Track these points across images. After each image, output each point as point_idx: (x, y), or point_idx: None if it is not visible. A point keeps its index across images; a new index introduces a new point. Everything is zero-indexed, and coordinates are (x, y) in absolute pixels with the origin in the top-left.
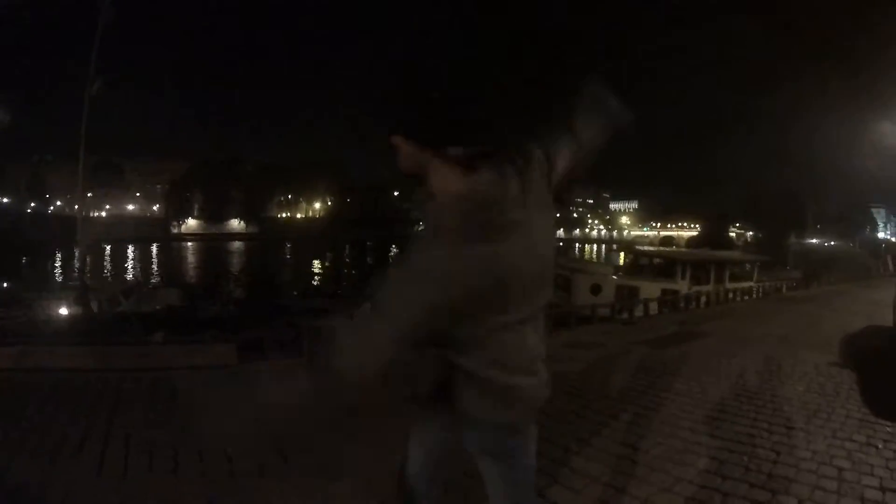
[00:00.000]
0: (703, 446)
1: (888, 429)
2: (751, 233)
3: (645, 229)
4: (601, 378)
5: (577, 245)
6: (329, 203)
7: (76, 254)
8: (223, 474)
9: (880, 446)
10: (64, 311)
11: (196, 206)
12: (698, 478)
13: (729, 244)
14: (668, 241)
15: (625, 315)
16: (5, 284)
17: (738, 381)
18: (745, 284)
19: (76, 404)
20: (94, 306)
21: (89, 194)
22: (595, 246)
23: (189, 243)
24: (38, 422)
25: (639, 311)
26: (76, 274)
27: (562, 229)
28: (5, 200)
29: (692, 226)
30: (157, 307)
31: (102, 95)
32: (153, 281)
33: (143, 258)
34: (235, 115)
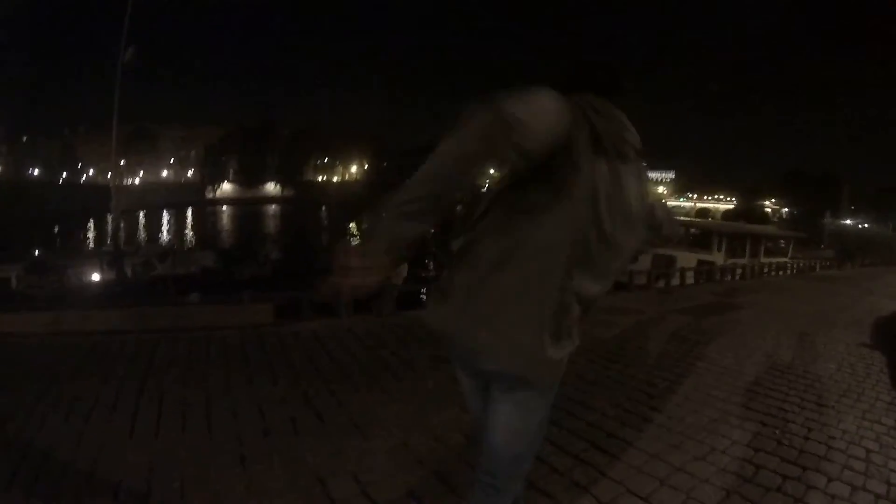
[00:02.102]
0: (736, 417)
1: None
2: (786, 209)
3: (681, 200)
4: (638, 344)
5: None
6: (365, 167)
7: (109, 221)
8: (257, 433)
9: None
10: (97, 276)
11: (231, 171)
12: (732, 449)
13: (764, 219)
14: (704, 212)
15: (661, 283)
16: (37, 252)
17: (772, 355)
18: (780, 260)
19: (111, 366)
20: (129, 271)
21: (122, 162)
22: None
23: (224, 207)
24: (72, 384)
25: (675, 281)
26: (109, 240)
27: None
28: (36, 172)
29: (728, 199)
30: (193, 269)
31: (134, 63)
32: (188, 244)
33: (178, 223)
34: (268, 81)
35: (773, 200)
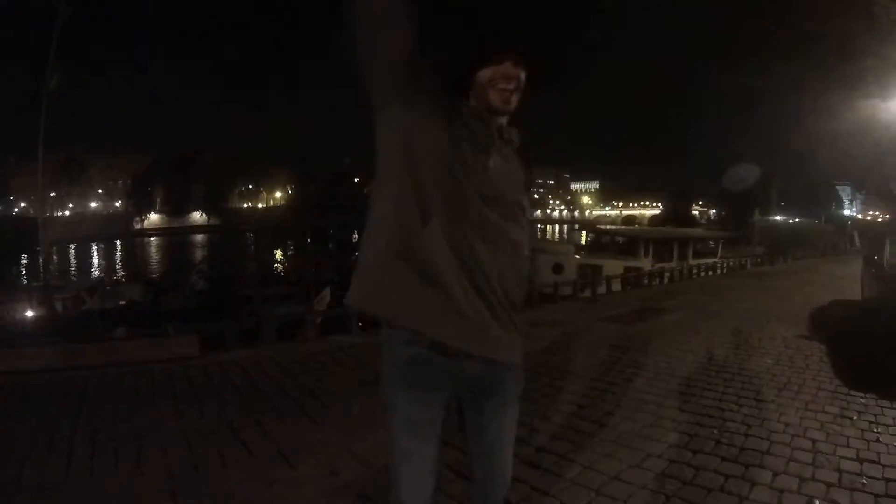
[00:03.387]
0: (671, 421)
1: (861, 400)
2: (714, 210)
3: (606, 209)
4: (564, 356)
5: (538, 226)
6: (290, 191)
7: (39, 255)
8: (187, 468)
9: (854, 417)
10: (28, 312)
11: (158, 201)
12: (668, 452)
13: (692, 222)
14: (630, 220)
15: (587, 293)
16: None
17: (705, 355)
18: (710, 260)
19: (43, 405)
20: (59, 306)
21: (52, 193)
22: (557, 227)
23: (152, 238)
24: (5, 424)
25: (602, 289)
26: (39, 275)
27: None
28: None
29: (654, 204)
30: (121, 303)
31: (60, 90)
32: (116, 277)
33: (108, 255)
34: (197, 108)
35: (700, 203)
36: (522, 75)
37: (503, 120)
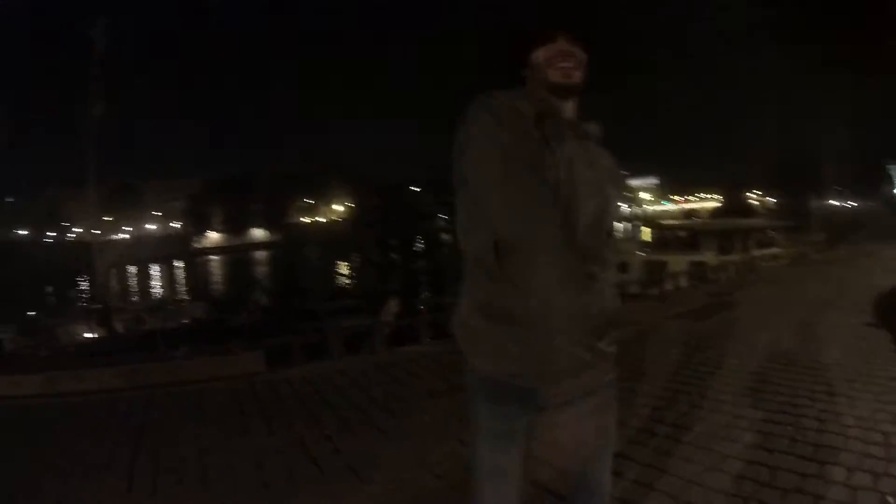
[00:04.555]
0: (746, 420)
1: None
2: (772, 199)
3: (666, 204)
4: (635, 355)
5: None
6: (349, 205)
7: (97, 278)
8: (256, 486)
9: None
10: (88, 334)
11: (216, 220)
12: (745, 453)
13: (751, 212)
14: (691, 214)
15: (654, 290)
16: (30, 314)
17: (775, 349)
18: (772, 251)
19: (103, 425)
20: (120, 326)
21: (108, 218)
22: (619, 224)
23: (213, 256)
24: (67, 445)
25: (668, 286)
26: (97, 297)
27: None
28: (23, 233)
29: (713, 196)
30: (183, 322)
31: (104, 115)
32: (178, 297)
33: (168, 275)
34: (245, 128)
35: (758, 192)
36: (581, 54)
37: (571, 110)
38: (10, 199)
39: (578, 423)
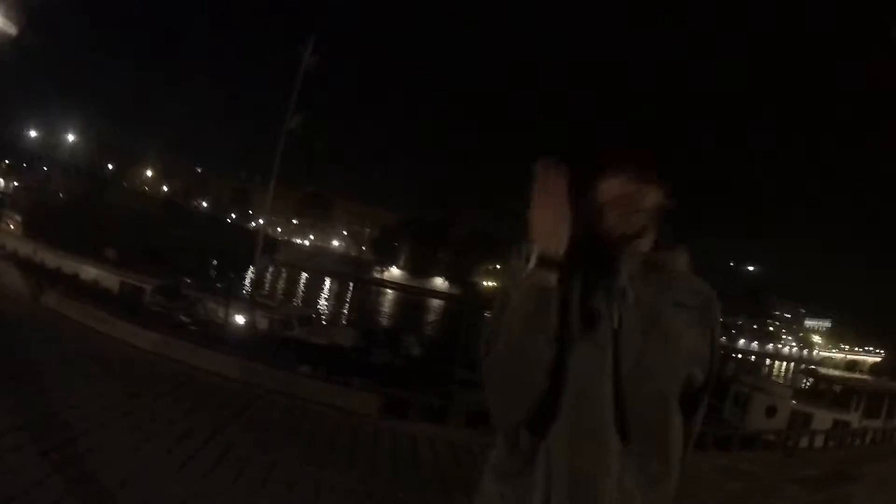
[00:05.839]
0: None
1: None
2: None
3: (833, 351)
4: None
5: (766, 360)
6: None
7: (269, 271)
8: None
9: None
10: (238, 318)
11: (402, 257)
12: None
13: None
14: (852, 364)
15: (790, 443)
16: (187, 280)
17: None
18: None
19: (199, 404)
20: (265, 324)
21: (295, 220)
22: (784, 363)
23: (389, 290)
24: (153, 407)
25: (804, 443)
26: (248, 287)
27: (756, 341)
28: (205, 205)
29: (878, 351)
30: (321, 342)
31: (299, 130)
32: (336, 315)
33: (339, 293)
34: (447, 179)
35: None
36: (651, 193)
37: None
38: (199, 169)
39: None
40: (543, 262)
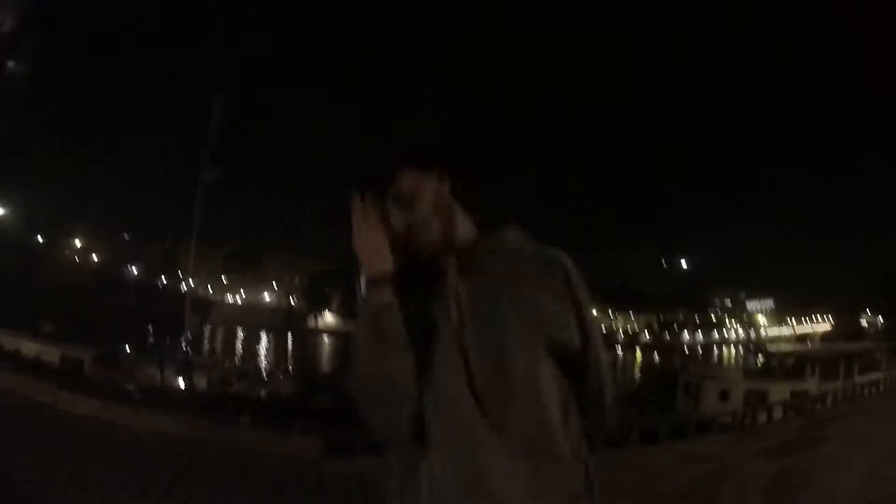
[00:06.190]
0: None
1: None
2: (883, 320)
3: (781, 327)
4: (709, 496)
5: (714, 349)
6: None
7: (206, 332)
8: None
9: None
10: (179, 381)
11: (335, 303)
12: None
13: (860, 334)
14: (803, 338)
15: (748, 420)
16: (114, 346)
17: (858, 497)
18: (873, 377)
19: (146, 464)
20: (203, 381)
21: (223, 278)
22: (733, 349)
23: (325, 336)
24: (103, 472)
25: (762, 417)
26: (188, 349)
27: (699, 332)
28: (136, 272)
29: (825, 319)
30: (263, 393)
31: (216, 181)
32: (271, 366)
33: (277, 345)
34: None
35: (868, 313)
36: (426, 192)
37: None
38: (126, 236)
39: None
40: (373, 281)
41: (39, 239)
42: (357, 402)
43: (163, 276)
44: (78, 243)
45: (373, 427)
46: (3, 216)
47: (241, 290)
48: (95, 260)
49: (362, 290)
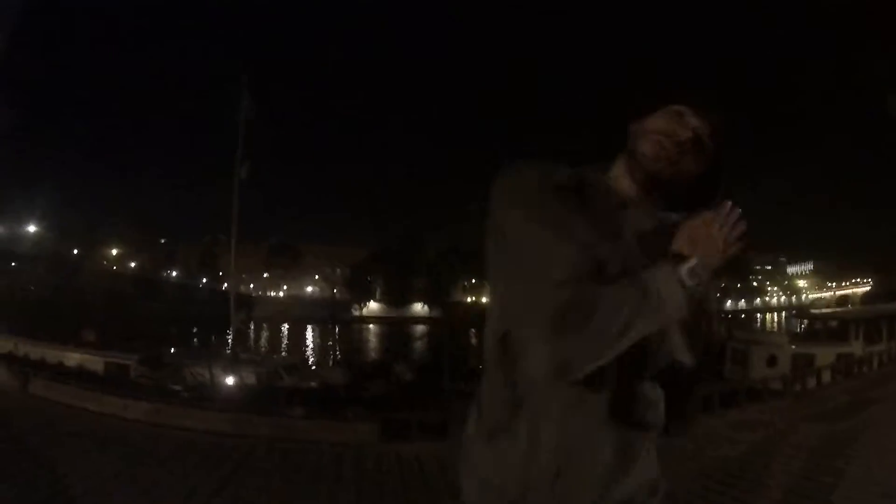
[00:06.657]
0: None
1: None
2: None
3: (822, 291)
4: (762, 463)
5: (757, 315)
6: None
7: (251, 328)
8: None
9: None
10: (228, 379)
11: (378, 290)
12: None
13: None
14: (843, 300)
15: (797, 386)
16: (158, 348)
17: None
18: None
19: (194, 463)
20: (252, 377)
21: (265, 274)
22: (775, 314)
23: (371, 325)
24: (154, 472)
25: (811, 383)
26: (234, 347)
27: (742, 300)
28: (175, 274)
29: (866, 281)
30: (312, 384)
31: (250, 178)
32: (319, 357)
33: (323, 337)
34: (411, 202)
35: None
36: (702, 131)
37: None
38: (162, 240)
39: None
40: (703, 269)
41: (75, 252)
42: (570, 343)
43: (203, 277)
44: (114, 251)
45: (560, 360)
46: (37, 233)
47: (284, 285)
48: (133, 266)
49: (684, 272)
